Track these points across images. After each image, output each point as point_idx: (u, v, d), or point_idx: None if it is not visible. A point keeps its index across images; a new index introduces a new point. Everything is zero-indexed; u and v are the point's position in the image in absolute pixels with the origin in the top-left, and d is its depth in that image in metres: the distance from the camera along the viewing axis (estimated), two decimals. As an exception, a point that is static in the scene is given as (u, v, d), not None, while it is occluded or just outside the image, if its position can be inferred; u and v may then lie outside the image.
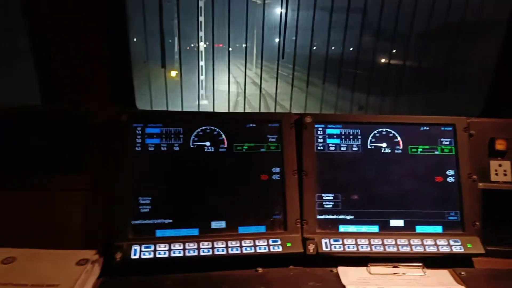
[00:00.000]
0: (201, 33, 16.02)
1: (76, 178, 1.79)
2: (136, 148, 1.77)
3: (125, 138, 1.77)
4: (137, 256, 1.60)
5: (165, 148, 1.79)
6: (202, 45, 16.32)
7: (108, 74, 2.03)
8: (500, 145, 1.92)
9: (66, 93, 2.04)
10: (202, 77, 15.54)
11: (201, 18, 15.59)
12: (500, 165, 1.92)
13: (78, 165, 1.81)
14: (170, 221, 1.72)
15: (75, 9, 1.93)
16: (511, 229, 1.89)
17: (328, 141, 1.87)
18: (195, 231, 1.71)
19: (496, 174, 1.91)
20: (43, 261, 1.58)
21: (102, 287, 1.53)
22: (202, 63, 15.80)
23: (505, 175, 1.91)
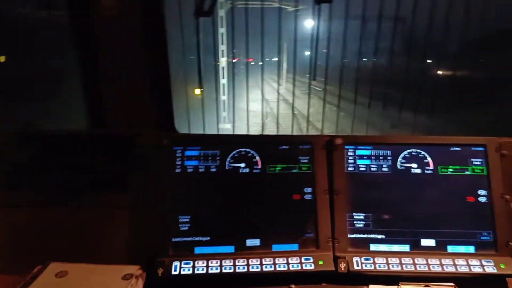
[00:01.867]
0: (223, 47, 14.10)
1: (120, 197, 1.93)
2: (176, 170, 1.90)
3: (166, 160, 1.90)
4: (177, 272, 1.71)
5: (203, 170, 1.90)
6: (224, 61, 14.48)
7: (150, 101, 2.18)
8: None
9: (112, 119, 2.20)
10: (223, 97, 13.75)
11: (222, 30, 13.82)
12: None
13: (122, 185, 1.95)
14: (208, 238, 1.82)
15: (123, 42, 2.10)
16: None
17: (359, 161, 1.93)
18: (231, 249, 1.80)
19: None
20: (92, 275, 1.70)
21: None
22: (223, 80, 13.97)
23: None
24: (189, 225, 1.83)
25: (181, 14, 2.92)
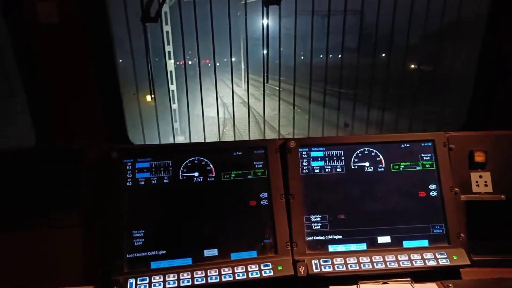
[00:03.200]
0: (169, 48, 11.84)
1: (71, 215, 1.84)
2: (128, 183, 1.83)
3: (116, 174, 1.83)
4: None
5: (155, 181, 1.85)
6: (171, 63, 12.36)
7: (100, 112, 2.10)
8: (479, 157, 1.98)
9: (61, 133, 2.10)
10: (174, 106, 11.65)
11: (167, 28, 11.58)
12: (480, 177, 1.98)
13: (72, 202, 1.86)
14: (164, 252, 1.76)
15: (66, 50, 2.00)
16: (497, 238, 1.94)
17: (313, 163, 1.93)
18: (188, 261, 1.76)
19: (478, 186, 1.97)
20: (42, 301, 1.62)
21: None
22: (172, 87, 11.91)
23: (486, 186, 1.97)
24: (143, 239, 1.77)
25: (128, 16, 2.80)
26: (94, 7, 2.05)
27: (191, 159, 1.89)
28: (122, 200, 1.81)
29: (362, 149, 1.95)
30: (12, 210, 1.86)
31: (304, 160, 1.93)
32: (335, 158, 1.94)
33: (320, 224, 1.87)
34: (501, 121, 2.31)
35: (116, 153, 1.85)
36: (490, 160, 1.98)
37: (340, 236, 1.86)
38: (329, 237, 1.85)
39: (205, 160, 1.90)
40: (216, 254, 1.79)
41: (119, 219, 1.78)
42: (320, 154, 1.95)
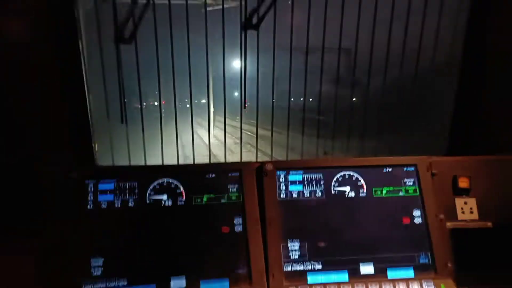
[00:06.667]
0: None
1: (25, 241, 1.66)
2: (88, 207, 1.66)
3: (76, 196, 1.67)
4: None
5: (119, 205, 1.69)
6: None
7: (68, 136, 1.97)
8: (463, 183, 1.90)
9: (22, 153, 1.94)
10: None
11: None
12: (465, 203, 1.90)
13: (27, 227, 1.68)
14: (125, 283, 1.58)
15: (35, 70, 1.89)
16: (485, 268, 1.83)
17: (291, 188, 1.81)
18: None
19: (463, 213, 1.89)
20: None
21: None
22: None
23: (471, 212, 1.88)
24: (102, 269, 1.59)
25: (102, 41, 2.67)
26: (65, 27, 1.97)
27: (160, 181, 1.75)
28: (81, 225, 1.64)
29: (342, 173, 1.86)
30: None
31: (282, 184, 1.82)
32: (314, 182, 1.83)
33: (299, 253, 1.72)
34: (484, 146, 2.27)
35: (76, 173, 1.69)
36: (474, 186, 1.90)
37: (320, 266, 1.72)
38: (308, 266, 1.71)
39: (175, 182, 1.75)
40: (184, 282, 1.61)
41: (77, 246, 1.60)
42: (299, 177, 1.83)
